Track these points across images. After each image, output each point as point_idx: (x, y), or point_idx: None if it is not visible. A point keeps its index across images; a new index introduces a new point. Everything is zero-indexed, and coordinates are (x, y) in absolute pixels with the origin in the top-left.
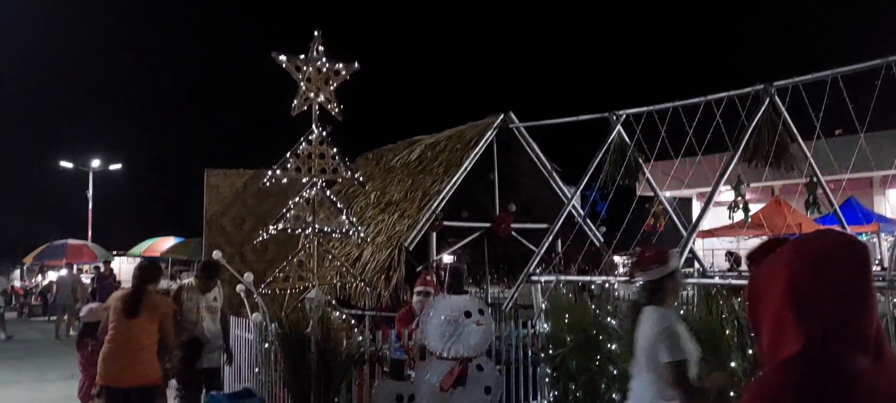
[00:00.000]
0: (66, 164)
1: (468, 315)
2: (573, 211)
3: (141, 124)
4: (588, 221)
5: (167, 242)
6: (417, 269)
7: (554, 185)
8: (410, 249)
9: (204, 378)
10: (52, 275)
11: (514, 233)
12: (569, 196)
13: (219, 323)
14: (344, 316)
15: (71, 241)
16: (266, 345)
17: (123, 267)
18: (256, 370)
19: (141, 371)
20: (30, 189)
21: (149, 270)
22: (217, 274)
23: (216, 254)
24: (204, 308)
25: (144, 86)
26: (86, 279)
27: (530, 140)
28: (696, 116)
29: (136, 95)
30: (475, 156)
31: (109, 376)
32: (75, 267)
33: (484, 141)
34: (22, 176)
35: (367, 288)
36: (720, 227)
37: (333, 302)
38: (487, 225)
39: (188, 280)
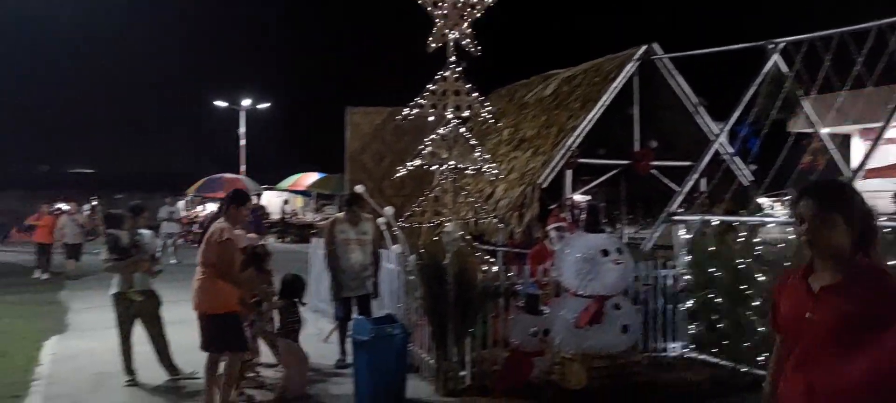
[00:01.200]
0: (221, 104)
1: (605, 253)
2: (720, 148)
3: (288, 65)
4: (737, 159)
5: (311, 177)
6: (550, 207)
7: (699, 120)
8: (544, 187)
9: (357, 304)
10: (211, 207)
11: (653, 171)
12: (716, 132)
13: (368, 255)
14: (477, 251)
15: (227, 175)
16: (409, 277)
17: (272, 201)
18: (397, 298)
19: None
20: (190, 127)
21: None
22: (363, 206)
23: (359, 188)
24: (354, 240)
25: (291, 30)
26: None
27: (675, 72)
28: (866, 44)
29: (284, 38)
30: (614, 90)
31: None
32: None
33: (624, 74)
34: (183, 115)
35: (500, 225)
36: (886, 166)
37: (467, 236)
38: (626, 162)
39: (339, 214)
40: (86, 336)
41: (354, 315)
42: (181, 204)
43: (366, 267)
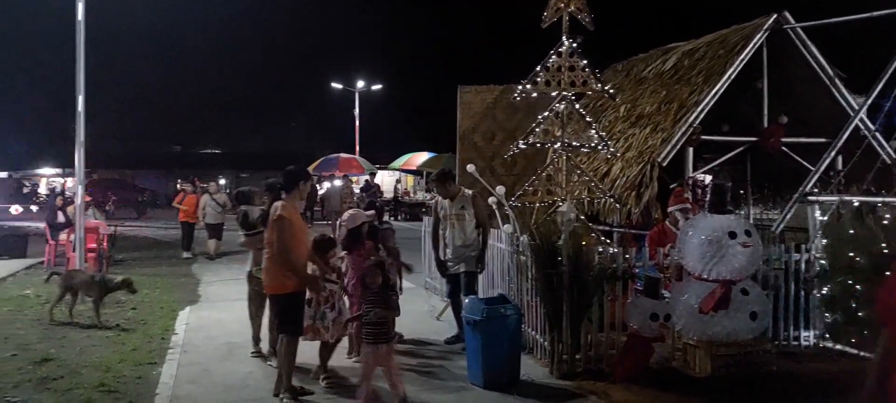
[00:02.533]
0: (337, 86)
1: (733, 235)
2: (860, 124)
3: (401, 46)
4: (879, 135)
5: (421, 157)
6: (671, 186)
7: (837, 94)
8: (663, 165)
9: (463, 282)
10: (328, 185)
11: (784, 148)
12: (856, 106)
13: (467, 232)
14: (592, 232)
15: (342, 155)
16: (522, 258)
17: (385, 180)
18: (508, 278)
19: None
20: (307, 108)
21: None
22: (451, 180)
23: (470, 168)
24: (452, 216)
25: (404, 10)
26: (357, 189)
27: (808, 42)
28: None
29: (397, 19)
30: (741, 62)
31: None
32: (346, 177)
33: (752, 45)
34: (301, 97)
35: (617, 205)
36: None
37: (582, 217)
38: (753, 139)
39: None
40: (215, 307)
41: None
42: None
43: (468, 245)
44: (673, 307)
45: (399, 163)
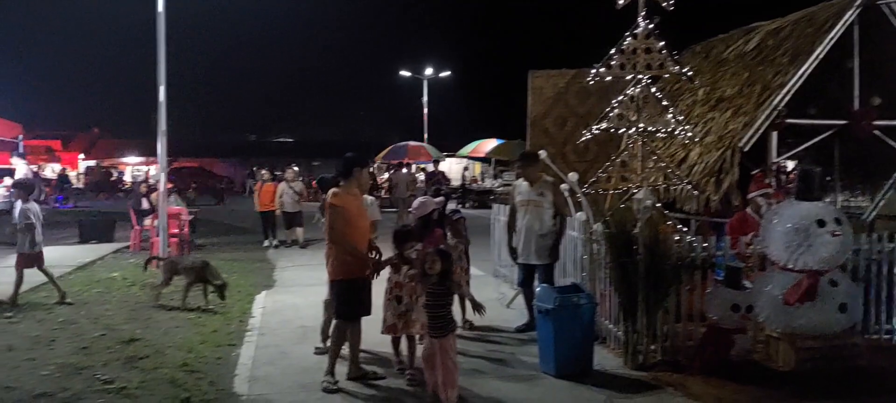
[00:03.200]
0: (405, 73)
1: (821, 223)
2: None
3: (469, 32)
4: None
5: (490, 144)
6: (752, 172)
7: None
8: (745, 150)
9: (540, 273)
10: (396, 173)
11: (875, 132)
12: None
13: (544, 220)
14: (669, 220)
15: (410, 143)
16: (595, 246)
17: (453, 168)
18: (581, 267)
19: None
20: (377, 97)
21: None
22: (536, 163)
23: (541, 153)
24: (528, 202)
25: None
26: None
27: None
28: None
29: (466, 5)
30: (830, 41)
31: None
32: (413, 165)
33: (842, 23)
34: (371, 86)
35: (694, 192)
36: None
37: (658, 204)
38: (842, 122)
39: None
40: (290, 291)
41: (537, 284)
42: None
43: (544, 234)
44: (755, 297)
45: (467, 150)
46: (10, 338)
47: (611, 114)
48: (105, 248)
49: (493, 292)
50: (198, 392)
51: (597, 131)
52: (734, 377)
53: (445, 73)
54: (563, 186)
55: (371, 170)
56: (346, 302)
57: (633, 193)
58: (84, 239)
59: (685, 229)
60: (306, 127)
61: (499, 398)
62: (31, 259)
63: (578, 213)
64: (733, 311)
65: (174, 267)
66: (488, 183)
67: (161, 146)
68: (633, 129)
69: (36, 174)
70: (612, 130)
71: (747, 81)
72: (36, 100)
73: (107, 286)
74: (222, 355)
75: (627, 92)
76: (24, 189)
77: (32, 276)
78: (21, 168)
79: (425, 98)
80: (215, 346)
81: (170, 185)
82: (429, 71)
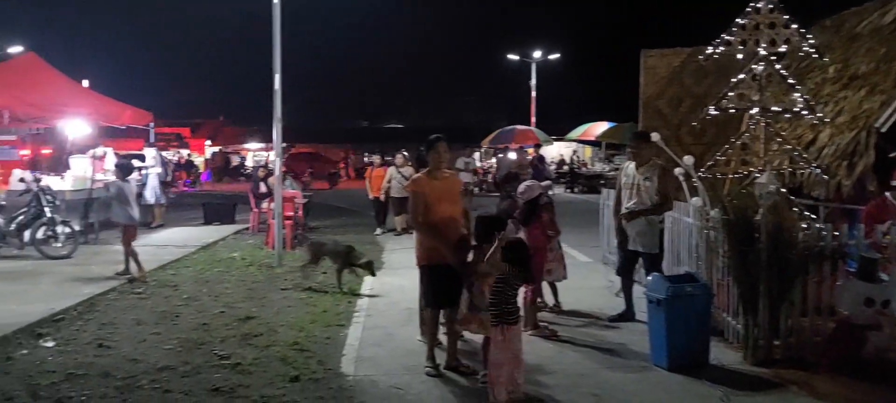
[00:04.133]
0: (513, 57)
1: None
2: None
3: (579, 12)
4: None
5: (600, 127)
6: (891, 155)
7: None
8: (882, 131)
9: (647, 267)
10: (501, 157)
11: None
12: None
13: (646, 205)
14: (795, 206)
15: (518, 127)
16: (711, 233)
17: (562, 152)
18: (697, 255)
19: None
20: (483, 82)
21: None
22: (648, 144)
23: (654, 137)
24: (636, 184)
25: None
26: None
27: None
28: None
29: None
30: None
31: None
32: (522, 148)
33: None
34: (478, 71)
35: (823, 176)
36: None
37: (782, 189)
38: None
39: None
40: (397, 273)
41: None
42: (477, 155)
43: (647, 221)
44: (893, 291)
45: (576, 133)
46: (140, 313)
47: (730, 94)
48: (227, 229)
49: (602, 279)
50: (307, 371)
51: (715, 112)
52: (866, 376)
53: (554, 56)
54: (678, 170)
55: (440, 149)
56: (428, 289)
57: (755, 178)
58: (208, 221)
59: (813, 216)
60: (415, 113)
61: (608, 389)
62: (132, 231)
63: (694, 199)
64: (867, 306)
65: (319, 249)
66: (598, 167)
67: (276, 132)
68: (755, 110)
69: (165, 159)
70: (732, 111)
71: (884, 57)
72: (167, 90)
73: (227, 265)
74: (331, 335)
75: (749, 70)
76: (120, 169)
77: (162, 255)
78: (149, 153)
79: (533, 81)
80: (325, 326)
81: (285, 170)
82: (537, 54)
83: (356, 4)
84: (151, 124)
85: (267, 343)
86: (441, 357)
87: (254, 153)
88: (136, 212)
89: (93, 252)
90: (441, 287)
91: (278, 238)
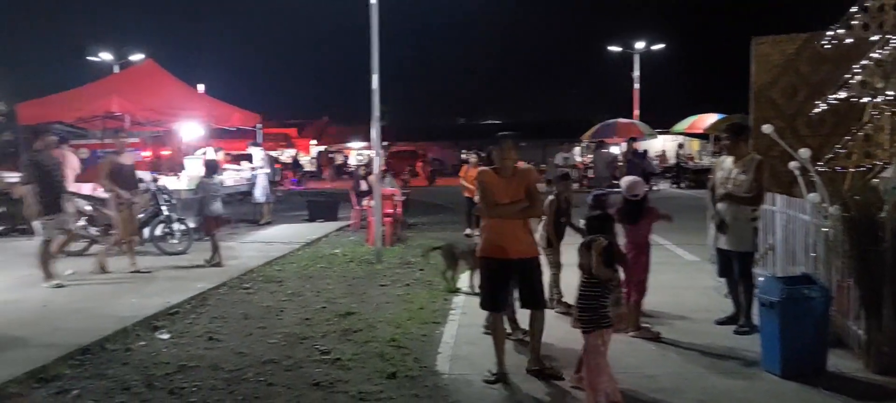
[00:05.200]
0: (614, 48)
1: None
2: None
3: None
4: None
5: (708, 119)
6: None
7: None
8: None
9: (738, 267)
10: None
11: None
12: None
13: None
14: None
15: (620, 120)
16: (826, 231)
17: (667, 145)
18: (813, 255)
19: None
20: (584, 75)
21: None
22: (745, 137)
23: (766, 128)
24: (731, 178)
25: None
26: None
27: None
28: None
29: None
30: None
31: None
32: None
33: None
34: (577, 64)
35: None
36: None
37: None
38: None
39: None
40: None
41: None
42: (577, 150)
43: (738, 218)
44: None
45: (683, 125)
46: (247, 307)
47: (852, 82)
48: (330, 226)
49: (710, 279)
50: (403, 368)
51: (834, 101)
52: None
53: (659, 46)
54: (793, 164)
55: (506, 146)
56: (483, 284)
57: (880, 171)
58: (312, 218)
59: None
60: (514, 108)
61: (714, 395)
62: (215, 222)
63: (811, 194)
64: None
65: (453, 252)
66: (706, 161)
67: (374, 131)
68: (880, 98)
69: (273, 159)
70: (854, 100)
71: None
72: (275, 92)
73: (329, 261)
74: (427, 332)
75: (873, 55)
76: (207, 167)
77: (269, 251)
78: (257, 154)
79: (636, 73)
80: (421, 323)
81: (384, 168)
82: (640, 44)
83: (456, 2)
84: (259, 125)
85: (366, 338)
86: (517, 363)
87: (356, 151)
88: (219, 207)
89: (206, 248)
90: (495, 284)
91: (378, 235)
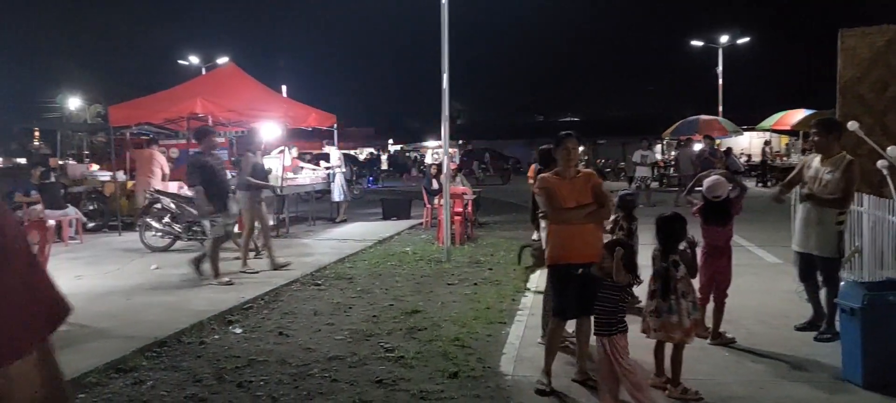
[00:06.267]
0: (697, 43)
1: None
2: None
3: None
4: None
5: (796, 115)
6: None
7: None
8: None
9: (822, 274)
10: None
11: None
12: None
13: (826, 203)
14: None
15: (702, 117)
16: None
17: (753, 143)
18: None
19: None
20: (665, 70)
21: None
22: (837, 134)
23: (852, 125)
24: (818, 178)
25: None
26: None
27: None
28: None
29: None
30: None
31: None
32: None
33: None
34: (658, 59)
35: None
36: None
37: None
38: None
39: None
40: None
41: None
42: (658, 147)
43: (822, 221)
44: None
45: (769, 122)
46: (317, 304)
47: None
48: (402, 224)
49: (791, 283)
50: (466, 368)
51: None
52: None
53: (744, 39)
54: (881, 163)
55: (569, 146)
56: (555, 293)
57: None
58: (386, 216)
59: None
60: (592, 105)
61: None
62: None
63: None
64: None
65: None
66: (795, 158)
67: (444, 130)
68: None
69: (350, 158)
70: None
71: None
72: (355, 92)
73: (399, 259)
74: (492, 332)
75: None
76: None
77: (342, 248)
78: (334, 153)
79: (720, 68)
80: (487, 323)
81: (455, 167)
82: (724, 38)
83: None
84: (335, 125)
85: (430, 337)
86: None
87: (432, 150)
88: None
89: (283, 244)
90: (565, 291)
91: (447, 233)
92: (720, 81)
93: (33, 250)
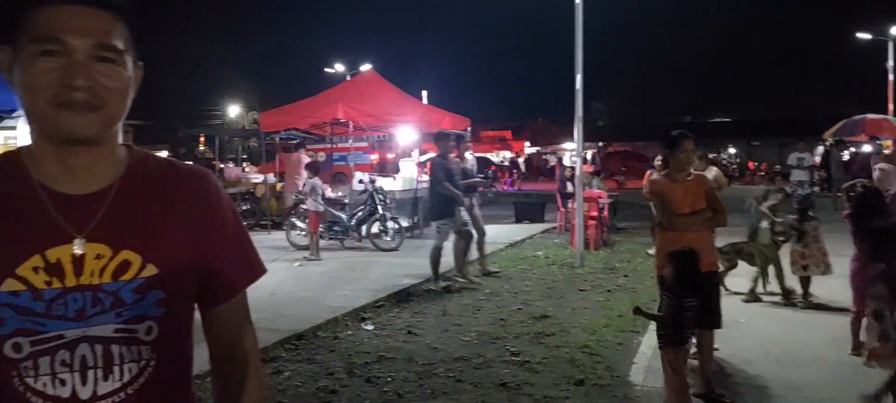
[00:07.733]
0: (864, 36)
1: None
2: None
3: None
4: None
5: None
6: None
7: None
8: None
9: None
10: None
11: None
12: None
13: None
14: None
15: (869, 116)
16: None
17: None
18: None
19: None
20: (826, 67)
21: None
22: None
23: None
24: None
25: None
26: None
27: None
28: None
29: None
30: None
31: None
32: (874, 139)
33: None
34: (818, 55)
35: None
36: None
37: None
38: None
39: None
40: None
41: None
42: (820, 149)
43: None
44: None
45: None
46: (447, 305)
47: None
48: (535, 228)
49: None
50: (593, 375)
51: None
52: None
53: None
54: None
55: (687, 147)
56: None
57: None
58: (519, 219)
59: None
60: (745, 105)
61: None
62: (317, 218)
63: None
64: None
65: (739, 250)
66: None
67: (577, 131)
68: None
69: (486, 162)
70: None
71: None
72: (491, 96)
73: (530, 263)
74: (624, 341)
75: None
76: (310, 168)
77: (472, 250)
78: (468, 158)
79: (890, 62)
80: (618, 331)
81: (590, 169)
82: (895, 30)
83: None
84: (468, 129)
85: (557, 343)
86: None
87: (570, 153)
88: (321, 204)
89: (416, 246)
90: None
91: (580, 238)
92: (891, 77)
93: None
